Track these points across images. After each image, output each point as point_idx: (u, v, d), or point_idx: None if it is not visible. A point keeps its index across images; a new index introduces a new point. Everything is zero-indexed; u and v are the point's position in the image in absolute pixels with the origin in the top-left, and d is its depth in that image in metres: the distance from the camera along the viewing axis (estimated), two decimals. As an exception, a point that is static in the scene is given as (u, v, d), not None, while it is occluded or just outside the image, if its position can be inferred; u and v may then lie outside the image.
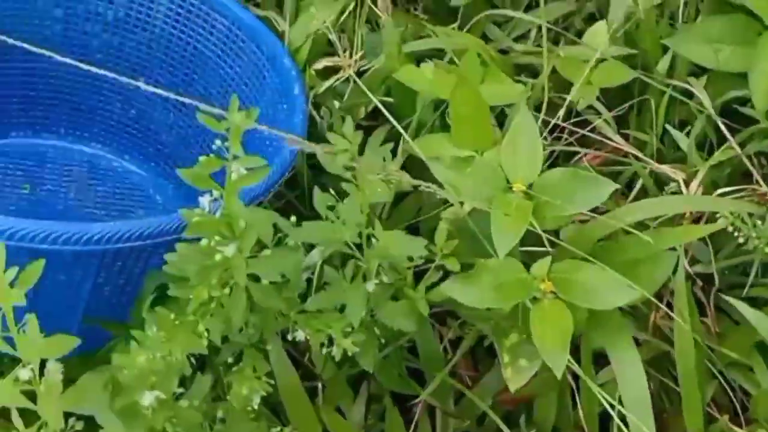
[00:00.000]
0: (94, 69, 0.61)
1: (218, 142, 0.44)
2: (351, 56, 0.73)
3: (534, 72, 0.87)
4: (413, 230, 0.66)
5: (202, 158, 0.42)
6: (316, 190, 0.53)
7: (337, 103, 0.76)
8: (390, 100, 0.75)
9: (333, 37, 0.73)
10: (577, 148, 0.78)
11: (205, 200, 0.43)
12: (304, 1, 0.82)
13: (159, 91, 0.64)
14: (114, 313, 0.63)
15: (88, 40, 0.79)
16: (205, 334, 0.46)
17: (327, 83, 0.74)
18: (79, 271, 0.58)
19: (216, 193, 0.43)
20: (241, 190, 0.45)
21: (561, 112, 0.75)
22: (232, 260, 0.42)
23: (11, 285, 0.36)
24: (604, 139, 0.79)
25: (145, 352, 0.40)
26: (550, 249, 0.62)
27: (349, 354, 0.49)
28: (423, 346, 0.68)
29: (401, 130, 0.69)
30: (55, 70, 0.81)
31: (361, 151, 0.62)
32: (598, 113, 0.80)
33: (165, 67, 0.80)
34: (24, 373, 0.36)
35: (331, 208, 0.53)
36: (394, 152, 0.67)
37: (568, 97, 0.75)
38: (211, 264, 0.43)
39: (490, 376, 0.70)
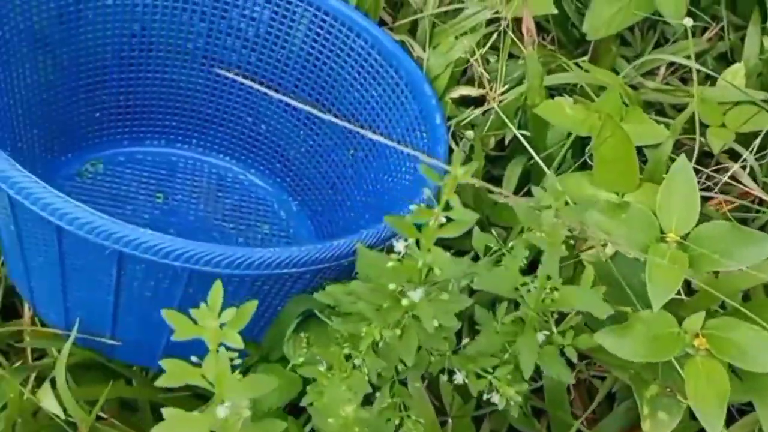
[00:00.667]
0: (265, 90, 0.60)
1: (427, 191, 0.45)
2: (493, 88, 0.73)
3: (661, 110, 0.86)
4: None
5: (413, 207, 0.42)
6: (476, 229, 0.53)
7: (470, 133, 0.76)
8: (526, 133, 0.75)
9: (477, 67, 0.73)
10: (708, 193, 0.77)
11: (400, 245, 0.43)
12: (438, 27, 0.82)
13: (303, 106, 0.64)
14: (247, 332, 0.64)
15: (227, 56, 0.80)
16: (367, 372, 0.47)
17: (469, 113, 0.73)
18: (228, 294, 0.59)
19: (410, 240, 0.43)
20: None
21: (694, 155, 0.74)
22: (418, 305, 0.42)
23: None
24: (735, 183, 0.78)
25: (348, 402, 0.40)
26: (685, 297, 0.61)
27: (512, 403, 0.48)
28: (551, 387, 0.67)
29: (544, 167, 0.69)
30: (193, 82, 0.82)
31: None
32: (732, 155, 0.79)
33: (299, 86, 0.80)
34: (221, 411, 0.36)
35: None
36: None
37: (698, 138, 0.74)
38: (394, 306, 0.43)
39: (610, 419, 0.69)
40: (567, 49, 0.90)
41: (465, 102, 0.80)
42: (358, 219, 0.77)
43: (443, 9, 0.81)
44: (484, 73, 0.74)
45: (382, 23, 0.83)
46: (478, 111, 0.74)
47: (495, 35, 0.77)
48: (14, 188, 0.50)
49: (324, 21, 0.77)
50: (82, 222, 0.49)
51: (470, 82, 0.80)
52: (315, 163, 0.82)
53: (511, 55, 0.80)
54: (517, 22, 0.80)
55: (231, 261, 0.53)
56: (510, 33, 0.76)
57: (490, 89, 0.73)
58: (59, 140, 0.77)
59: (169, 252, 0.51)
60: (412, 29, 0.84)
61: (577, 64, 0.82)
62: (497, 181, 0.77)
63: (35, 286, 0.65)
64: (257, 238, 0.81)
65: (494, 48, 0.80)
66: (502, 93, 0.74)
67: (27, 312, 0.69)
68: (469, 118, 0.74)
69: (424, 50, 0.80)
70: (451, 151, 0.71)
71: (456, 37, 0.77)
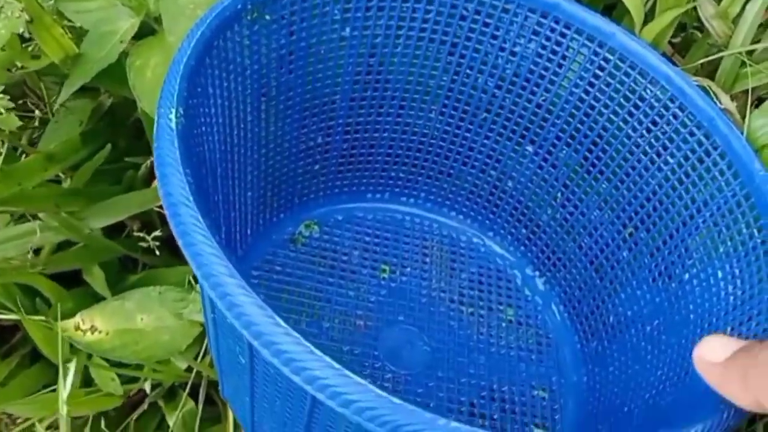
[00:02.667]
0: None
1: None
2: None
3: None
4: None
5: None
6: None
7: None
8: None
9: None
10: None
11: None
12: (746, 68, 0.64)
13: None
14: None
15: (473, 96, 0.65)
16: None
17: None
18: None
19: None
20: None
21: None
22: None
23: None
24: None
25: None
26: None
27: None
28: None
29: None
30: (430, 127, 0.67)
31: None
32: None
33: (563, 139, 0.64)
34: None
35: None
36: None
37: None
38: None
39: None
40: None
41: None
42: (636, 316, 0.60)
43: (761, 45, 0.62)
44: None
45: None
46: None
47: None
48: (270, 348, 0.36)
49: (606, 60, 0.60)
50: (357, 404, 0.34)
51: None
52: (573, 233, 0.66)
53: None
54: None
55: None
56: None
57: None
58: (273, 201, 0.64)
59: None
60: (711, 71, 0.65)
61: None
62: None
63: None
64: (501, 327, 0.65)
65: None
66: None
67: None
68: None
69: (732, 100, 0.61)
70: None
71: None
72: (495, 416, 0.60)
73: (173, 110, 0.42)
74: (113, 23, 0.59)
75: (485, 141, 0.67)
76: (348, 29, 0.59)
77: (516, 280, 0.69)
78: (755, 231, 0.52)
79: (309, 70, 0.59)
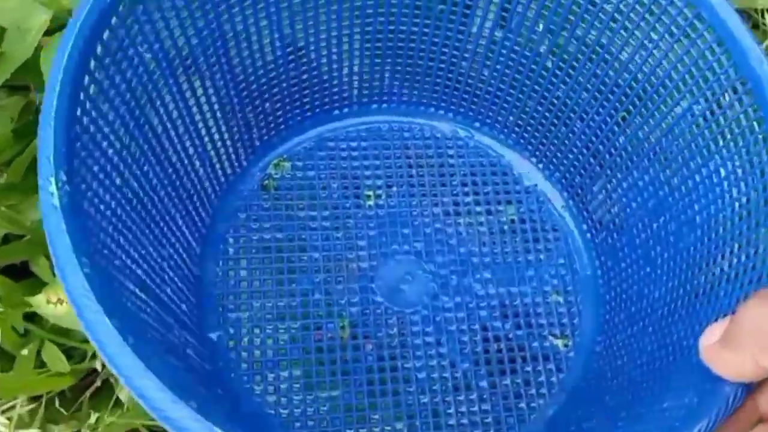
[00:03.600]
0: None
1: None
2: None
3: None
4: None
5: None
6: None
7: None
8: None
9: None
10: None
11: None
12: None
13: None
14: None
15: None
16: None
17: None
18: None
19: None
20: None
21: None
22: None
23: None
24: None
25: None
26: None
27: None
28: None
29: None
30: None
31: None
32: None
33: (532, 18, 0.56)
34: None
35: None
36: None
37: None
38: None
39: None
40: None
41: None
42: (641, 208, 0.55)
43: None
44: None
45: None
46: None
47: None
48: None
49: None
50: None
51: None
52: (564, 119, 0.59)
53: None
54: None
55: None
56: None
57: None
58: (231, 153, 0.59)
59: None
60: None
61: None
62: None
63: None
64: (504, 231, 0.61)
65: None
66: None
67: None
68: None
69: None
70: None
71: None
72: (510, 336, 0.58)
73: (52, 180, 0.36)
74: (29, 20, 0.58)
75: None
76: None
77: (512, 172, 0.64)
78: (755, 124, 0.45)
79: None
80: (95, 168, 0.41)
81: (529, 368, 0.57)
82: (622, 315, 0.55)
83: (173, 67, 0.48)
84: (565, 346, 0.58)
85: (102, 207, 0.41)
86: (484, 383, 0.56)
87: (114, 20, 0.41)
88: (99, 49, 0.41)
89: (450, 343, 0.57)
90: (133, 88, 0.45)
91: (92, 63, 0.40)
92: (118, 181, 0.44)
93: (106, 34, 0.41)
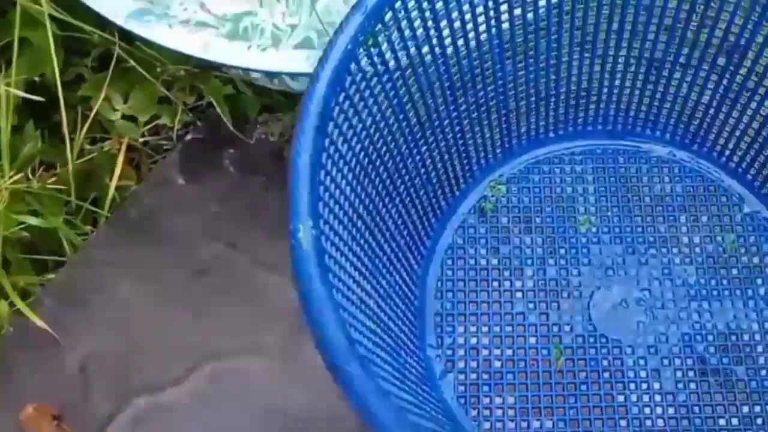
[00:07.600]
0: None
1: None
2: None
3: None
4: None
5: None
6: None
7: None
8: None
9: None
10: None
11: None
12: None
13: None
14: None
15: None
16: None
17: None
18: None
19: None
20: None
21: None
22: None
23: None
24: None
25: None
26: None
27: None
28: None
29: None
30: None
31: None
32: None
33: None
34: None
35: None
36: None
37: None
38: None
39: None
40: None
41: None
42: None
43: None
44: None
45: None
46: None
47: None
48: None
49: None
50: None
51: None
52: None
53: None
54: None
55: None
56: None
57: None
58: (450, 178, 0.61)
59: None
60: None
61: None
62: None
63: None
64: (721, 258, 0.60)
65: None
66: None
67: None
68: None
69: None
70: None
71: None
72: (729, 370, 0.57)
73: (302, 226, 0.39)
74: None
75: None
76: None
77: (732, 197, 0.62)
78: None
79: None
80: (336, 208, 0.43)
81: (747, 405, 0.56)
82: None
83: (406, 110, 0.50)
84: (789, 384, 0.56)
85: (343, 249, 0.43)
86: (698, 420, 0.55)
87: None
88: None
89: (666, 375, 0.57)
90: (371, 134, 0.47)
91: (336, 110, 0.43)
92: (354, 218, 0.46)
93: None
